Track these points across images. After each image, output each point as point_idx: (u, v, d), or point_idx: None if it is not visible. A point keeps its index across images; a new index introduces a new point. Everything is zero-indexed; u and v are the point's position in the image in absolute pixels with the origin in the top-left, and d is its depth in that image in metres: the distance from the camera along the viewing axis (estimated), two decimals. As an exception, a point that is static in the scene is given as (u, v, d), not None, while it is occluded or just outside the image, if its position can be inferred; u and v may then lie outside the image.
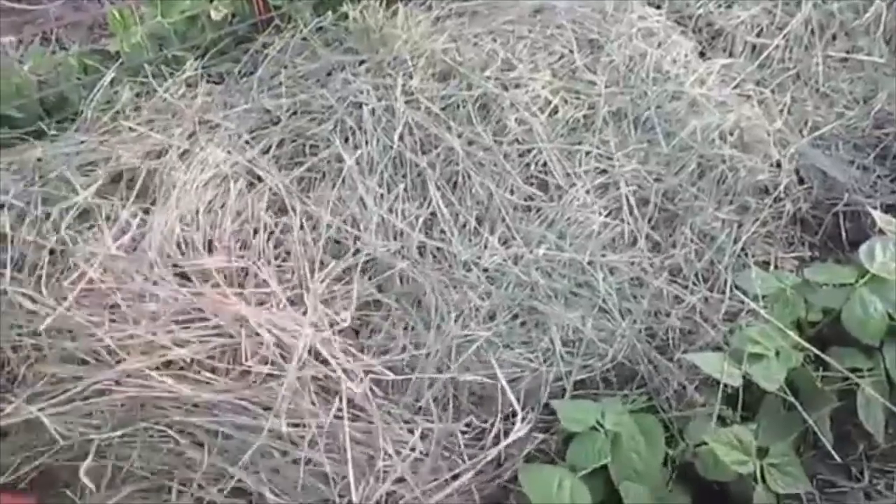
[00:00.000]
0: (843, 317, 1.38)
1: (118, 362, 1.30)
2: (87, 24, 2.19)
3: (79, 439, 1.23)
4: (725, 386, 1.33)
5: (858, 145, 1.89)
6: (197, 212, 1.55)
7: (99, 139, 1.73)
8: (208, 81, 1.93)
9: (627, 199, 1.66)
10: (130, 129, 1.73)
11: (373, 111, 1.70)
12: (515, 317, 1.54)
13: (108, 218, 1.56)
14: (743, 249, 1.70)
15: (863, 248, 1.44)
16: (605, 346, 1.49)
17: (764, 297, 1.45)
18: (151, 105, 1.80)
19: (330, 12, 1.95)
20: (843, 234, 1.75)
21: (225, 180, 1.61)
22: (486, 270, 1.57)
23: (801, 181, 1.83)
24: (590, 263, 1.57)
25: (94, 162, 1.69)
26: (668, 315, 1.56)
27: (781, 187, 1.76)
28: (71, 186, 1.60)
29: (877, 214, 1.49)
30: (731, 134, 1.72)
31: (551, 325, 1.51)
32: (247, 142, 1.69)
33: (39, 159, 1.69)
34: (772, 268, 1.70)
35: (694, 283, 1.63)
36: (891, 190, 1.83)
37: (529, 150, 1.67)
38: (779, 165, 1.79)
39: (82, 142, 1.76)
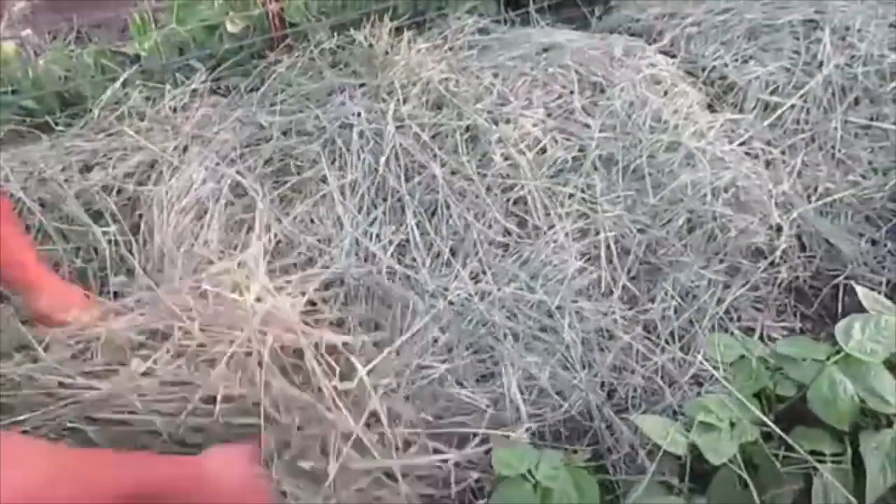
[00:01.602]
0: (809, 396, 1.29)
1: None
2: (119, 26, 2.27)
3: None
4: (680, 456, 1.26)
5: (871, 217, 1.78)
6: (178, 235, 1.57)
7: (96, 144, 1.78)
8: (216, 93, 1.98)
9: (607, 247, 1.60)
10: (129, 135, 1.78)
11: (361, 134, 1.69)
12: (475, 352, 1.50)
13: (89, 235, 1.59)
14: (727, 312, 1.61)
15: (840, 324, 1.34)
16: (559, 398, 1.43)
17: (730, 364, 1.37)
18: (155, 112, 1.85)
19: (336, 34, 1.98)
20: (840, 307, 1.65)
21: (208, 197, 1.63)
22: (451, 303, 1.53)
23: (802, 248, 1.73)
24: (558, 308, 1.52)
25: (89, 167, 1.74)
26: (632, 372, 1.49)
27: (779, 252, 1.67)
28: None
29: (860, 289, 1.39)
30: (726, 191, 1.65)
31: (508, 367, 1.45)
32: (234, 159, 1.70)
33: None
34: (757, 335, 1.61)
35: (667, 342, 1.56)
36: (900, 267, 1.72)
37: (512, 187, 1.63)
38: (779, 229, 1.70)
39: (85, 140, 1.81)
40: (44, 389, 1.21)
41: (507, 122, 1.67)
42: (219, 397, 1.17)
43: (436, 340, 1.48)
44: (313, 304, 1.41)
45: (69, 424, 1.16)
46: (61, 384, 1.21)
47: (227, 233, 1.54)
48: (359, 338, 1.34)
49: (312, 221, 1.64)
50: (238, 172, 1.67)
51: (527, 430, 1.39)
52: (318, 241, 1.59)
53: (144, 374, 1.22)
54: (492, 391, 1.44)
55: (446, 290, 1.54)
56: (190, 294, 1.31)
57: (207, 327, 1.25)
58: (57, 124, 1.90)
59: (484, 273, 1.57)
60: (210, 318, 1.27)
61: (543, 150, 1.65)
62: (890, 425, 1.27)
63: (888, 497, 1.38)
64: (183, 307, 1.27)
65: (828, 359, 1.30)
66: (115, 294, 1.52)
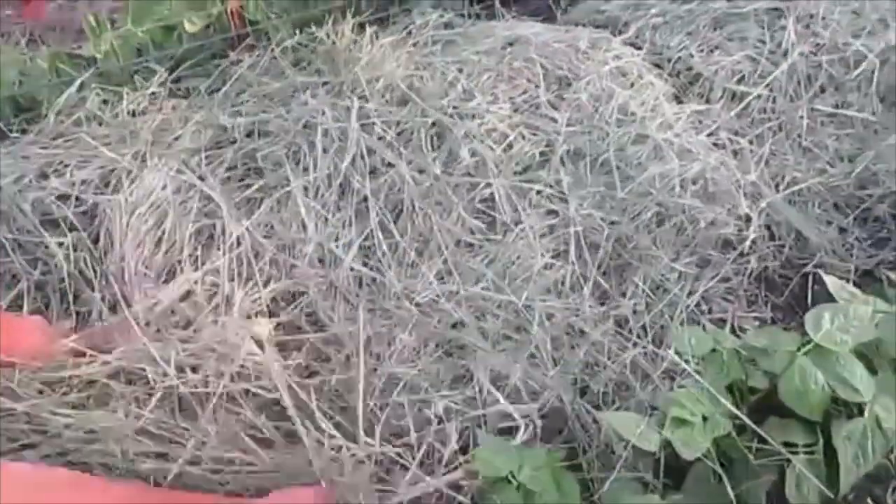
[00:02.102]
0: (781, 387, 1.28)
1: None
2: (74, 28, 2.21)
3: None
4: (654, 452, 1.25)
5: (838, 205, 1.78)
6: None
7: (52, 150, 1.72)
8: (176, 95, 1.93)
9: (576, 243, 1.58)
10: (87, 142, 1.73)
11: (325, 133, 1.66)
12: (449, 355, 1.48)
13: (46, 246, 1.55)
14: (698, 305, 1.61)
15: (810, 314, 1.34)
16: (531, 396, 1.41)
17: (702, 357, 1.36)
18: (112, 117, 1.80)
19: (298, 32, 1.94)
20: (810, 296, 1.65)
21: (169, 204, 1.59)
22: (418, 305, 1.51)
23: (772, 237, 1.73)
24: (527, 307, 1.50)
25: (45, 174, 1.69)
26: (604, 368, 1.48)
27: (748, 242, 1.67)
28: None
29: (828, 278, 1.40)
30: (695, 183, 1.64)
31: (479, 367, 1.44)
32: (195, 163, 1.66)
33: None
34: (728, 326, 1.61)
35: (639, 336, 1.55)
36: (868, 254, 1.72)
37: (479, 184, 1.61)
38: (748, 219, 1.70)
39: (41, 147, 1.76)
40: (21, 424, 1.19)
41: (473, 117, 1.65)
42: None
43: (404, 346, 1.46)
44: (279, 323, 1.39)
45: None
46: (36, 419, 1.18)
47: (189, 241, 1.50)
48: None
49: (273, 227, 1.60)
50: (200, 177, 1.63)
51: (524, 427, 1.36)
52: (283, 246, 1.56)
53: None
54: (464, 393, 1.42)
55: (412, 291, 1.52)
56: (158, 320, 1.30)
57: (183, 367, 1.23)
58: (11, 131, 1.84)
59: (450, 273, 1.54)
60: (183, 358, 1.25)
61: (510, 146, 1.63)
62: (861, 414, 1.27)
63: (861, 486, 1.39)
64: (154, 341, 1.24)
65: (798, 349, 1.31)
66: (78, 314, 1.49)
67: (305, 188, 1.62)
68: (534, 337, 1.47)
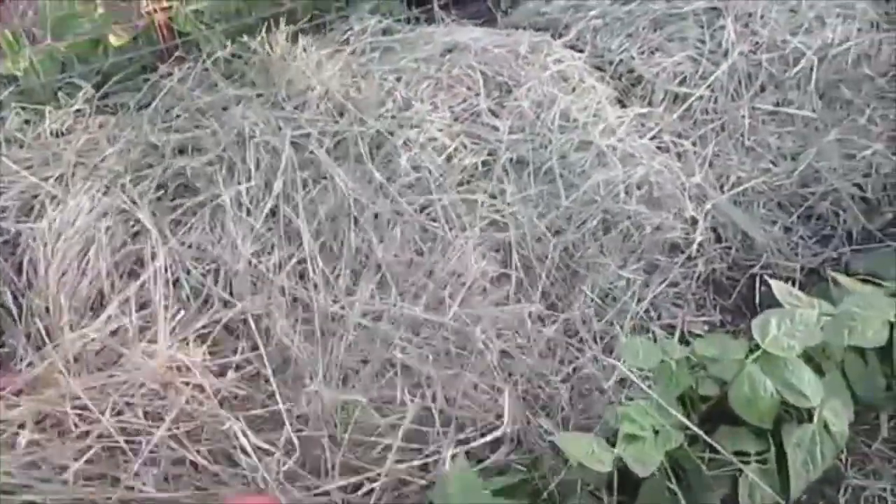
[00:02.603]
0: (730, 396, 1.27)
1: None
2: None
3: None
4: (606, 469, 1.22)
5: (782, 204, 1.79)
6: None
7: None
8: (104, 112, 1.84)
9: (521, 253, 1.55)
10: (6, 166, 1.63)
11: (258, 147, 1.60)
12: (394, 374, 1.43)
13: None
14: (647, 311, 1.59)
15: (756, 320, 1.33)
16: (482, 412, 1.38)
17: (650, 370, 1.34)
18: (34, 138, 1.71)
19: (230, 42, 1.87)
20: (757, 297, 1.64)
21: (96, 229, 1.51)
22: (358, 325, 1.46)
23: (718, 240, 1.72)
24: (473, 321, 1.46)
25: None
26: (559, 378, 1.45)
27: (694, 246, 1.66)
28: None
29: (774, 283, 1.39)
30: (639, 188, 1.62)
31: (424, 385, 1.39)
32: (123, 184, 1.58)
33: None
34: (678, 331, 1.60)
35: (590, 347, 1.52)
36: (813, 252, 1.73)
37: (420, 196, 1.57)
38: (694, 222, 1.69)
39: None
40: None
41: (412, 127, 1.60)
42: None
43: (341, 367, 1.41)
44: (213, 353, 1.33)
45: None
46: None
47: (117, 269, 1.42)
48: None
49: (204, 249, 1.53)
50: (129, 199, 1.55)
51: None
52: (215, 267, 1.49)
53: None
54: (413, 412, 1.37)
55: (349, 310, 1.46)
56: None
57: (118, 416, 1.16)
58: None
59: (392, 288, 1.49)
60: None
61: (451, 157, 1.59)
62: (811, 419, 1.26)
63: (813, 487, 1.39)
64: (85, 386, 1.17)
65: (746, 357, 1.29)
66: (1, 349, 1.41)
67: (239, 204, 1.55)
68: (481, 351, 1.43)
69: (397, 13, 2.17)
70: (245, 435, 1.20)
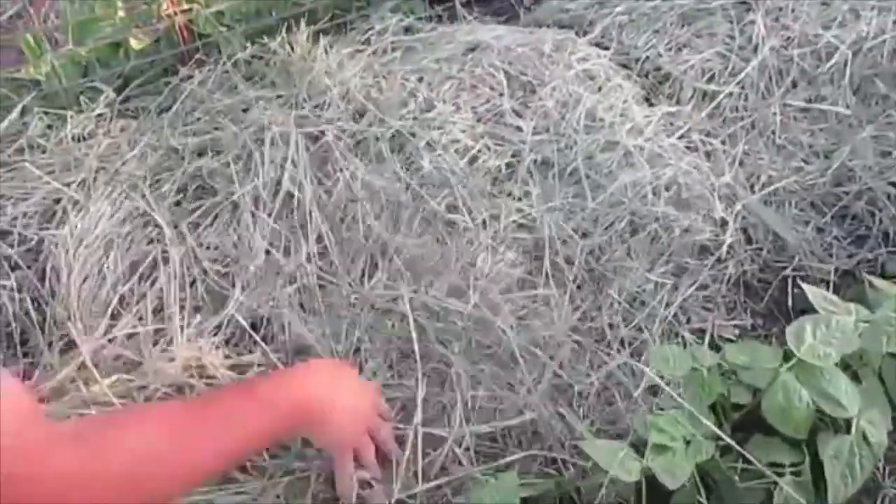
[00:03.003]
0: (764, 406, 1.23)
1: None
2: (17, 48, 2.10)
3: None
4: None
5: (815, 203, 1.73)
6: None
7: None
8: (125, 116, 1.83)
9: (548, 256, 1.52)
10: (30, 171, 1.63)
11: (278, 148, 1.58)
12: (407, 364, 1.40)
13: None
14: (676, 315, 1.55)
15: (791, 327, 1.29)
16: (506, 407, 1.35)
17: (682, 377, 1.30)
18: (56, 143, 1.71)
19: (250, 44, 1.85)
20: (790, 300, 1.60)
21: (117, 235, 1.50)
22: (376, 308, 1.43)
23: (749, 241, 1.68)
24: (496, 312, 1.42)
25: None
26: (587, 381, 1.42)
27: (724, 248, 1.62)
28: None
29: (808, 288, 1.34)
30: (668, 189, 1.58)
31: (449, 377, 1.36)
32: (143, 188, 1.58)
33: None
34: (707, 335, 1.56)
35: (618, 351, 1.49)
36: (848, 254, 1.68)
37: (445, 196, 1.54)
38: (724, 224, 1.65)
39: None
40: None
41: (436, 128, 1.57)
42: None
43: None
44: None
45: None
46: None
47: (136, 273, 1.41)
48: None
49: (222, 249, 1.52)
50: (148, 203, 1.54)
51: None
52: (233, 268, 1.48)
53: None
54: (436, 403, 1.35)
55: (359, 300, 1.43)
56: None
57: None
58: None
59: (410, 279, 1.47)
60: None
61: (474, 159, 1.56)
62: (848, 430, 1.22)
63: (850, 498, 1.35)
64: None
65: (780, 365, 1.25)
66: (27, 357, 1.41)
67: (255, 202, 1.54)
68: (506, 347, 1.40)
69: (419, 11, 2.13)
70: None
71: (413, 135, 1.56)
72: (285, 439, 1.21)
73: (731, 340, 1.57)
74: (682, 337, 1.54)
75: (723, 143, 1.75)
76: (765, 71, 1.81)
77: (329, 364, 1.26)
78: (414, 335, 1.32)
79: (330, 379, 1.14)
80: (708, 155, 1.73)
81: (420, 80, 1.69)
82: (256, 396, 1.01)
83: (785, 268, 1.64)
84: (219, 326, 1.38)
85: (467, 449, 1.31)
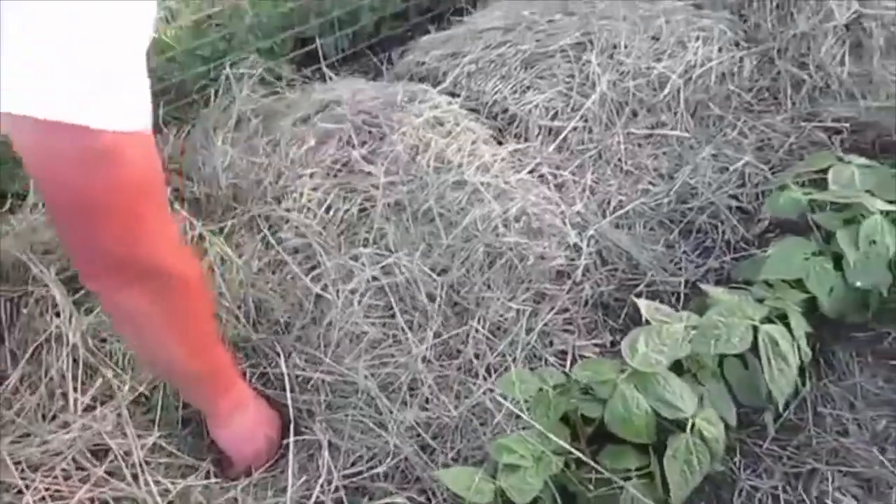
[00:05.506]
0: (607, 417, 1.30)
1: None
2: None
3: None
4: (490, 502, 1.23)
5: (663, 222, 1.85)
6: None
7: None
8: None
9: (411, 296, 1.57)
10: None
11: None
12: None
13: None
14: (539, 340, 1.62)
15: (626, 339, 1.37)
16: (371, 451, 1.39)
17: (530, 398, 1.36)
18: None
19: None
20: (643, 316, 1.68)
21: None
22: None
23: (604, 263, 1.76)
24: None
25: None
26: (454, 414, 1.46)
27: (580, 270, 1.70)
28: None
29: (640, 302, 1.43)
30: (517, 220, 1.66)
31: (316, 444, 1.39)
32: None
33: None
34: (570, 357, 1.62)
35: (484, 379, 1.54)
36: (696, 265, 1.78)
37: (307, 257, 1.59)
38: (578, 249, 1.73)
39: None
40: None
41: (289, 195, 1.63)
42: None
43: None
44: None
45: None
46: None
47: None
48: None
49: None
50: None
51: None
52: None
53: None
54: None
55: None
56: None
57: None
58: None
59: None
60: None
61: (329, 209, 1.62)
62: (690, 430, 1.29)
63: (708, 493, 1.41)
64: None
65: (617, 377, 1.32)
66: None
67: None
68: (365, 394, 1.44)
69: (288, 74, 2.19)
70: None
71: (272, 210, 1.61)
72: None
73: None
74: (546, 360, 1.60)
75: (572, 173, 1.85)
76: (605, 104, 1.93)
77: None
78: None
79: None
80: (559, 186, 1.83)
81: (275, 148, 1.72)
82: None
83: (638, 285, 1.73)
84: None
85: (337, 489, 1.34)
